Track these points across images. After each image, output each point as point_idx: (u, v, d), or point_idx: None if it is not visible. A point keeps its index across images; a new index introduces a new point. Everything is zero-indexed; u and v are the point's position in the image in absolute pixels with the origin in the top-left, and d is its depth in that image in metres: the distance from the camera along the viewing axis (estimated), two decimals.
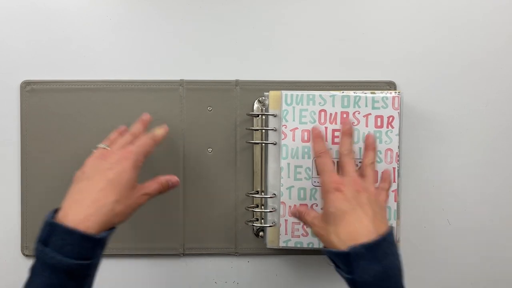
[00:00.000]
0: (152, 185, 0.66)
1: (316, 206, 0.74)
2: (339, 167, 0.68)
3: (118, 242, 0.78)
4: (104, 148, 0.68)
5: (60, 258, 0.55)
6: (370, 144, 0.71)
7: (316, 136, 0.71)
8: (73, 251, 0.56)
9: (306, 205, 0.74)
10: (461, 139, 0.80)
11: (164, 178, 0.68)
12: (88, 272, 0.59)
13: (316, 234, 0.65)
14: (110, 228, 0.61)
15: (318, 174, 0.70)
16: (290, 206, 0.74)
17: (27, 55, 0.79)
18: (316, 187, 0.74)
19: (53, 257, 0.56)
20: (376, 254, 0.57)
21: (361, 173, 0.68)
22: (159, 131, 0.70)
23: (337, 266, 0.60)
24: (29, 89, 0.78)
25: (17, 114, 0.78)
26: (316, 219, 0.65)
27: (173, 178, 0.68)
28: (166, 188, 0.68)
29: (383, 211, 0.65)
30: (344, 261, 0.58)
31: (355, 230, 0.59)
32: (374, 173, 0.68)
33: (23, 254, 0.79)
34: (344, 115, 0.74)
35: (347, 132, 0.71)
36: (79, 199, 0.61)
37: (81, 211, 0.59)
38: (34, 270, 0.57)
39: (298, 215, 0.69)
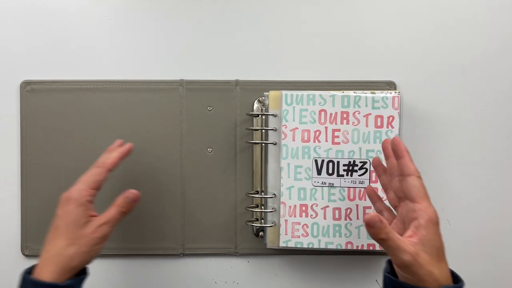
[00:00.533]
0: (110, 212, 0.65)
1: (316, 206, 0.74)
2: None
3: (118, 242, 0.79)
4: None
5: None
6: (403, 149, 0.61)
7: (405, 150, 0.61)
8: None
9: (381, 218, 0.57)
10: (461, 139, 0.80)
11: (121, 198, 0.66)
12: None
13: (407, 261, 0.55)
14: (80, 273, 0.64)
15: (410, 197, 0.58)
16: (290, 206, 0.74)
17: (27, 55, 0.79)
18: (316, 187, 0.74)
19: None
20: None
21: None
22: (110, 155, 0.68)
23: None
24: (29, 89, 0.78)
25: (17, 114, 0.79)
26: (413, 245, 0.56)
27: (129, 193, 0.67)
28: (128, 207, 0.67)
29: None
30: None
31: (447, 270, 0.58)
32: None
33: (23, 254, 0.79)
34: (345, 115, 0.74)
35: (405, 149, 0.61)
36: (42, 251, 0.63)
37: (41, 262, 0.62)
38: None
39: (373, 225, 0.56)
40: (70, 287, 0.61)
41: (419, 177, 0.59)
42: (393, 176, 0.64)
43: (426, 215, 0.56)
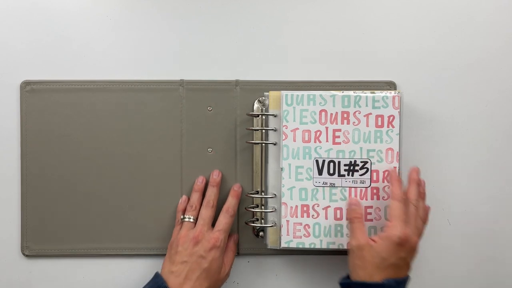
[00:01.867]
0: (228, 256, 0.76)
1: (318, 206, 0.74)
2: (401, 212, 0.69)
3: (118, 242, 0.79)
4: (189, 221, 0.75)
5: None
6: (393, 178, 0.73)
7: (395, 178, 0.72)
8: None
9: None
10: (461, 139, 0.80)
11: (233, 242, 0.78)
12: None
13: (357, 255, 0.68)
14: None
15: (388, 216, 0.70)
16: (291, 207, 0.74)
17: (27, 55, 0.79)
18: (317, 187, 0.74)
19: None
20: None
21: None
22: (232, 201, 0.77)
23: None
24: (29, 89, 0.78)
25: (17, 114, 0.78)
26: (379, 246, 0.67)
27: (235, 237, 0.78)
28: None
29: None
30: None
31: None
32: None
33: (23, 254, 0.79)
34: (345, 115, 0.74)
35: (395, 178, 0.72)
36: (178, 278, 0.71)
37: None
38: None
39: (350, 204, 0.73)
40: None
41: (399, 201, 0.69)
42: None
43: (388, 232, 0.66)
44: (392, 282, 0.65)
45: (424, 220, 0.72)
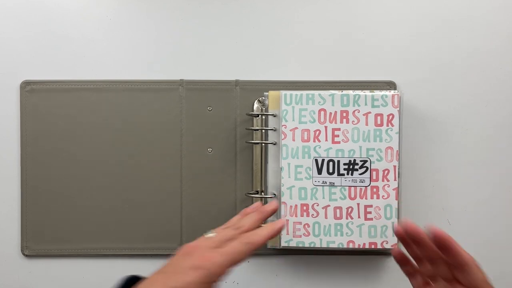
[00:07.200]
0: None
1: (317, 205, 0.74)
2: None
3: (118, 242, 0.79)
4: (208, 237, 0.57)
5: None
6: (449, 240, 0.56)
7: (451, 239, 0.56)
8: None
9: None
10: (461, 139, 0.80)
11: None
12: None
13: None
14: None
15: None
16: (291, 206, 0.74)
17: (27, 55, 0.79)
18: (316, 186, 0.74)
19: None
20: None
21: None
22: (258, 235, 0.57)
23: None
24: (29, 89, 0.78)
25: (17, 114, 0.79)
26: None
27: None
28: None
29: None
30: None
31: None
32: None
33: (23, 254, 0.79)
34: (344, 114, 0.74)
35: (451, 239, 0.56)
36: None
37: None
38: None
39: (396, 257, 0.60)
40: None
41: (477, 265, 0.56)
42: (422, 261, 0.60)
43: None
44: None
45: None
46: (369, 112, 0.74)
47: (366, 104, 0.74)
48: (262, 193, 0.77)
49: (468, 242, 0.80)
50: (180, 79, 0.79)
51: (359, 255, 0.79)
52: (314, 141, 0.74)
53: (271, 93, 0.75)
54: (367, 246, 0.74)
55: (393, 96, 0.73)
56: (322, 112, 0.74)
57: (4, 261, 0.79)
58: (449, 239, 0.55)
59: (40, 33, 0.79)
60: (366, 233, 0.74)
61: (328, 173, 0.74)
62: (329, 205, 0.74)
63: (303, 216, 0.74)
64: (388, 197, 0.73)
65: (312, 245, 0.74)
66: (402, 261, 0.61)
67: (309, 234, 0.74)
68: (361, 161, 0.74)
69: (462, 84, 0.80)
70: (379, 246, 0.74)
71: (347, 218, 0.74)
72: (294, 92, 0.74)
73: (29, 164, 0.78)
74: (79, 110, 0.78)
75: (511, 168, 0.80)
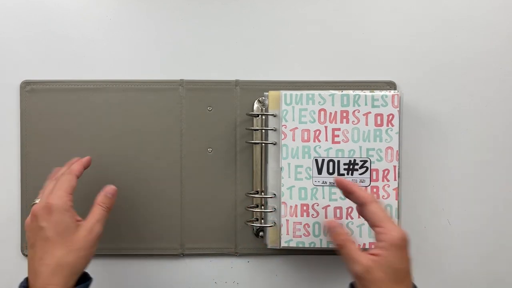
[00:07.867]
0: (95, 211, 0.66)
1: (317, 205, 0.74)
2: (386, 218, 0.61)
3: (118, 242, 0.79)
4: (33, 204, 0.65)
5: None
6: (349, 185, 0.65)
7: (352, 184, 0.65)
8: None
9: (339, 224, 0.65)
10: (461, 139, 0.80)
11: (101, 196, 0.68)
12: None
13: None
14: (82, 279, 0.63)
15: (373, 223, 0.61)
16: (291, 206, 0.74)
17: (27, 55, 0.79)
18: (316, 186, 0.74)
19: None
20: None
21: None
22: (74, 164, 0.70)
23: None
24: (29, 89, 0.78)
25: (17, 114, 0.78)
26: (371, 261, 0.59)
27: (108, 189, 0.68)
28: (109, 202, 0.68)
29: None
30: None
31: None
32: None
33: (23, 254, 0.79)
34: (344, 114, 0.74)
35: (351, 184, 0.65)
36: (36, 268, 0.61)
37: (43, 276, 0.60)
38: None
39: (330, 230, 0.64)
40: None
41: (376, 202, 0.62)
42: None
43: (389, 239, 0.58)
44: None
45: None
46: (369, 112, 0.74)
47: (366, 104, 0.74)
48: (262, 193, 0.77)
49: (468, 242, 0.81)
50: (180, 79, 0.79)
51: None
52: (314, 141, 0.74)
53: (271, 93, 0.75)
54: (367, 246, 0.74)
55: (393, 96, 0.73)
56: (322, 112, 0.74)
57: (4, 261, 0.79)
58: (347, 183, 0.64)
59: (40, 33, 0.79)
60: (366, 233, 0.74)
61: (328, 173, 0.74)
62: (329, 205, 0.74)
63: (303, 216, 0.74)
64: (388, 197, 0.73)
65: (312, 245, 0.74)
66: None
67: (309, 234, 0.74)
68: (361, 161, 0.74)
69: (462, 84, 0.80)
70: None
71: (347, 218, 0.74)
72: (294, 92, 0.74)
73: (29, 164, 0.78)
74: (79, 110, 0.78)
75: (511, 168, 0.80)
